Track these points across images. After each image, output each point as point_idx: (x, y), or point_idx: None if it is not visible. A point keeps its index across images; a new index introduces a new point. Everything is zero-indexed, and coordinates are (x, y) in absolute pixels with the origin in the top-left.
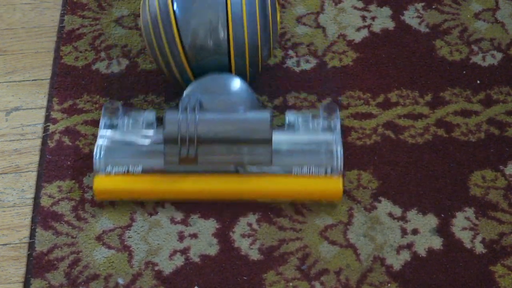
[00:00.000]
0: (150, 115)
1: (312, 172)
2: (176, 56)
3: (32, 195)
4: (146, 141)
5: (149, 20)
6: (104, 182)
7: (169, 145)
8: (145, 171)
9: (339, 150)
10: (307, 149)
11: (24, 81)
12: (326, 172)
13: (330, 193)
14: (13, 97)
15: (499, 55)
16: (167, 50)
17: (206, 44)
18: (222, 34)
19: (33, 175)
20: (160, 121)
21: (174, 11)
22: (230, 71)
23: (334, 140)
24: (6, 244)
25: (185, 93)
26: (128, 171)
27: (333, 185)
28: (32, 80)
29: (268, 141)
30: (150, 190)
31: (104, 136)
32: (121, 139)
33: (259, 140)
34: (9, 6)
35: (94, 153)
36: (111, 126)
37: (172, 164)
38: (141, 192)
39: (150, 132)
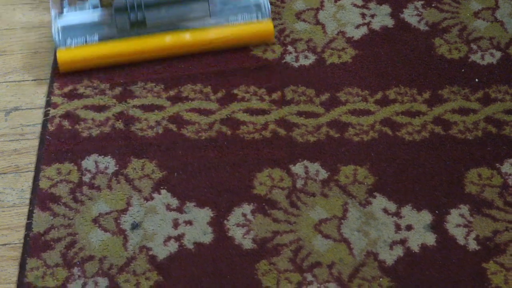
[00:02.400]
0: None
1: (245, 19)
2: None
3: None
4: (98, 15)
5: None
6: (66, 54)
7: (119, 13)
8: (101, 40)
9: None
10: (239, 5)
11: (23, 81)
12: (257, 18)
13: (264, 34)
14: (13, 97)
15: (498, 54)
16: None
17: None
18: None
19: (33, 175)
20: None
21: None
22: None
23: None
24: (5, 244)
25: None
26: (86, 42)
27: (265, 26)
28: (32, 80)
29: None
30: (108, 54)
31: (58, 20)
32: (75, 18)
33: None
34: (9, 6)
35: (53, 32)
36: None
37: (123, 30)
38: (100, 57)
39: (99, 10)
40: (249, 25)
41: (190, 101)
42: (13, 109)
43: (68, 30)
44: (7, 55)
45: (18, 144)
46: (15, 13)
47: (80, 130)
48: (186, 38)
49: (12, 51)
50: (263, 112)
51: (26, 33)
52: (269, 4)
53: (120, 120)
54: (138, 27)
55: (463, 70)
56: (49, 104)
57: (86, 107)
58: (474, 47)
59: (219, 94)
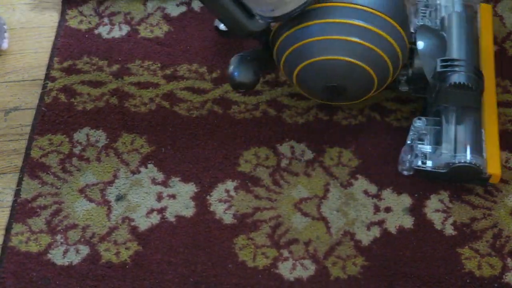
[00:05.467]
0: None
1: None
2: None
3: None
4: None
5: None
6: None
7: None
8: None
9: None
10: None
11: (23, 81)
12: None
13: None
14: (12, 97)
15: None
16: None
17: None
18: None
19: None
20: None
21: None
22: None
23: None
24: None
25: None
26: None
27: None
28: (31, 80)
29: None
30: None
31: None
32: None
33: None
34: (8, 6)
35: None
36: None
37: None
38: None
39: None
40: None
41: (185, 80)
42: (13, 109)
43: None
44: (6, 55)
45: (18, 144)
46: (15, 13)
47: (75, 103)
48: None
49: (11, 51)
50: (256, 92)
51: (26, 33)
52: None
53: (114, 96)
54: None
55: None
56: (47, 77)
57: (83, 83)
58: None
59: (214, 75)
